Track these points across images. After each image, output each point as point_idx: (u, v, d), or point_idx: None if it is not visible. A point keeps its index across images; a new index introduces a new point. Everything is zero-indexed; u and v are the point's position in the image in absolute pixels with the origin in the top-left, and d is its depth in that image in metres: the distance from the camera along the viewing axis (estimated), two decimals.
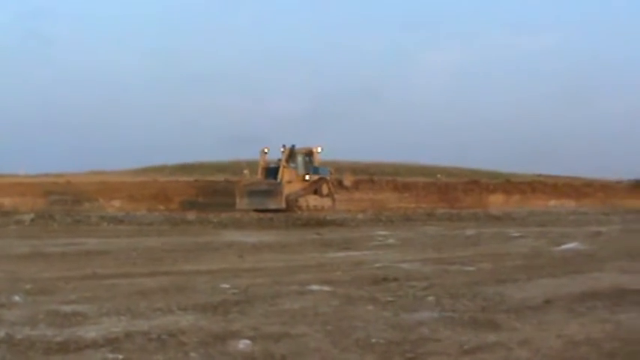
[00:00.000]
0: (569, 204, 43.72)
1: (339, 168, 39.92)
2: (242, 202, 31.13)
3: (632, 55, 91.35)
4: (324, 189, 34.12)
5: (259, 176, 32.76)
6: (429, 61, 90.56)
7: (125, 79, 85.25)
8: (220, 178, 40.65)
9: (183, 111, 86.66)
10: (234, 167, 38.78)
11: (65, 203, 33.23)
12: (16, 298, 7.55)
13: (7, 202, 32.01)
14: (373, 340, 5.62)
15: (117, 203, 35.43)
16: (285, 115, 78.89)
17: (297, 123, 73.77)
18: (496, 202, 42.87)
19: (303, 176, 33.23)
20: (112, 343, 5.46)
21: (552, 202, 44.51)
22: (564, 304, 7.21)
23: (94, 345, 5.42)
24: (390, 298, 7.61)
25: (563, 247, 14.44)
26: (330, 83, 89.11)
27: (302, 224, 23.08)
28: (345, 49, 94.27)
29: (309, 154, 33.87)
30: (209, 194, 37.12)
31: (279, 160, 32.86)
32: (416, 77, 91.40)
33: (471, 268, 10.61)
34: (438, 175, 47.97)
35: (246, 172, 33.25)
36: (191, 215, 26.60)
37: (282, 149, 32.81)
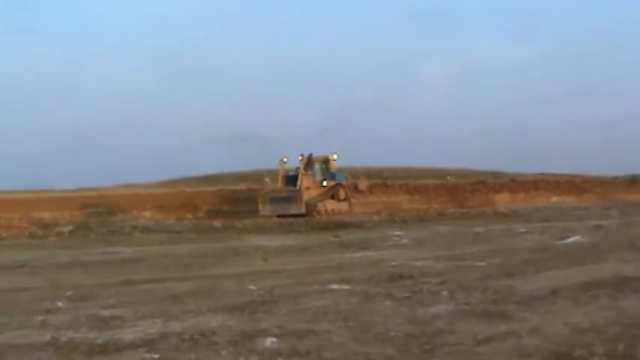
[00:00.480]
0: (571, 200, 43.30)
1: (354, 173, 39.80)
2: (264, 209, 31.10)
3: (629, 56, 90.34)
4: (341, 193, 34.06)
5: (280, 184, 32.72)
6: (430, 71, 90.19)
7: (145, 99, 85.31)
8: (243, 186, 40.54)
9: (204, 126, 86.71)
10: (255, 176, 38.89)
11: (100, 215, 33.29)
12: (60, 304, 7.65)
13: (47, 215, 32.16)
14: (392, 334, 5.61)
15: (148, 213, 35.52)
16: (300, 127, 78.88)
17: (311, 134, 73.60)
18: (503, 200, 42.57)
19: (321, 182, 33.20)
20: (148, 343, 5.49)
21: (555, 199, 44.17)
22: (570, 294, 7.18)
23: (132, 346, 5.46)
24: (406, 294, 7.59)
25: (567, 240, 14.34)
26: (339, 96, 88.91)
27: (321, 227, 22.99)
28: (351, 65, 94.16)
29: (326, 161, 33.83)
30: (233, 202, 37.07)
31: (298, 168, 32.81)
32: (419, 87, 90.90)
33: (481, 263, 10.56)
34: (448, 177, 47.71)
35: (267, 180, 33.30)
36: (217, 223, 26.63)
37: (300, 158, 32.78)
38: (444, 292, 7.65)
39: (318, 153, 33.75)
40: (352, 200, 35.07)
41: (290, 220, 26.92)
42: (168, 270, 11.35)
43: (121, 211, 35.03)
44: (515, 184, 46.80)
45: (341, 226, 23.19)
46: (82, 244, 18.49)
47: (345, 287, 8.31)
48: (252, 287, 8.57)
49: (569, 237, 14.89)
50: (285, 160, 33.14)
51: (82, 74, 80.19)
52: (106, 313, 6.97)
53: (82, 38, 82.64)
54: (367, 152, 77.64)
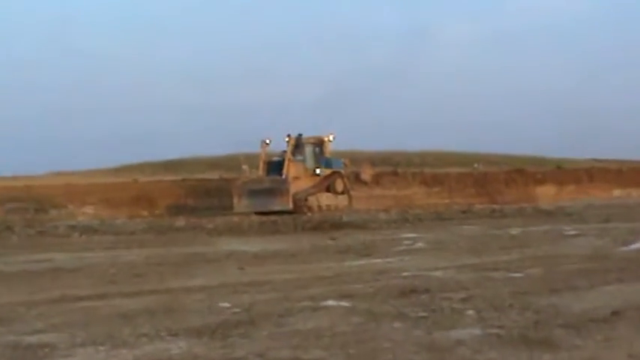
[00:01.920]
0: (637, 194, 43.35)
1: (356, 159, 39.90)
2: (240, 204, 31.38)
3: None
4: (339, 185, 34.27)
5: (260, 172, 32.89)
6: (454, 31, 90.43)
7: (97, 61, 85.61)
8: (214, 175, 40.65)
9: (167, 97, 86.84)
10: (230, 162, 38.78)
11: (26, 212, 33.17)
12: None
13: None
14: None
15: (89, 210, 35.52)
16: (292, 102, 79.06)
17: (306, 110, 74.05)
18: (546, 194, 42.76)
19: (313, 170, 33.45)
20: None
21: (617, 192, 44.23)
22: (635, 316, 7.19)
23: None
24: (421, 314, 7.65)
25: (632, 246, 14.34)
26: (342, 65, 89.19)
27: (313, 228, 23.19)
28: (359, 26, 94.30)
29: (319, 143, 34.05)
30: (201, 196, 37.28)
31: (284, 152, 33.02)
32: (441, 51, 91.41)
33: (518, 275, 10.64)
34: (475, 165, 48.02)
35: (244, 167, 33.37)
36: (180, 221, 26.75)
37: (286, 139, 32.96)
38: (470, 312, 7.69)
39: (309, 134, 34.06)
40: (352, 193, 35.40)
41: (273, 218, 27.00)
42: (116, 282, 11.37)
43: (53, 207, 35.13)
44: (563, 173, 46.98)
45: (338, 226, 23.42)
46: (0, 249, 18.36)
47: (344, 304, 8.40)
48: (225, 304, 8.63)
49: (635, 242, 14.87)
50: (267, 141, 33.22)
51: None
52: (31, 339, 6.88)
53: None
54: (372, 133, 77.99)
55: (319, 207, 32.65)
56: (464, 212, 29.39)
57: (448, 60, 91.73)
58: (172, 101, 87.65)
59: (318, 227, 23.18)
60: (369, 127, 74.60)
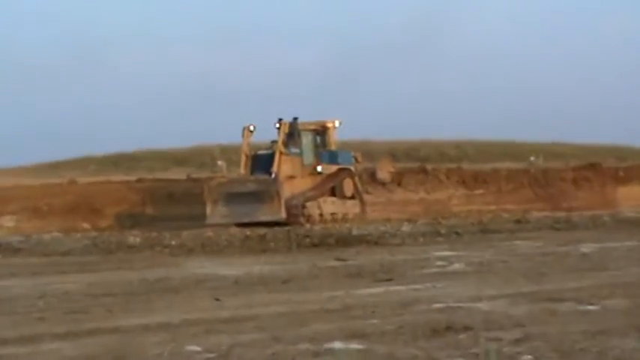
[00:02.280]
0: None
1: (371, 152, 39.81)
2: (216, 213, 31.35)
3: None
4: (347, 187, 34.27)
5: (242, 170, 32.90)
6: None
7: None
8: (180, 174, 40.57)
9: (116, 70, 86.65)
10: (201, 157, 38.46)
11: None
12: None
13: None
14: None
15: (9, 221, 35.42)
16: (283, 78, 78.83)
17: (302, 88, 73.82)
18: (630, 197, 42.57)
19: (313, 167, 33.47)
20: None
21: None
22: None
23: None
24: None
25: None
26: (351, 30, 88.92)
27: (313, 244, 23.22)
28: None
29: (322, 131, 34.14)
30: (162, 202, 37.18)
31: (274, 142, 32.98)
32: (486, 10, 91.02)
33: (592, 308, 10.64)
34: (532, 158, 47.98)
35: (220, 163, 33.89)
36: (134, 236, 26.56)
37: (277, 125, 32.92)
38: (527, 357, 7.66)
39: (308, 119, 33.98)
40: (366, 198, 35.46)
41: (260, 231, 26.84)
42: (45, 320, 11.26)
43: None
44: None
45: (347, 241, 23.48)
46: None
47: (355, 347, 8.40)
48: (195, 347, 8.62)
49: None
50: (251, 128, 33.07)
51: None
52: None
53: None
54: (391, 118, 77.63)
55: (321, 216, 32.69)
56: (517, 222, 29.33)
57: (493, 17, 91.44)
58: (123, 76, 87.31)
59: (320, 243, 23.21)
60: (387, 110, 74.34)
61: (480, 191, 42.14)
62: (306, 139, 33.78)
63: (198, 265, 18.77)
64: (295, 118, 33.24)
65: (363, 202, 34.99)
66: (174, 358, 8.19)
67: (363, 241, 23.56)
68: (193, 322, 10.45)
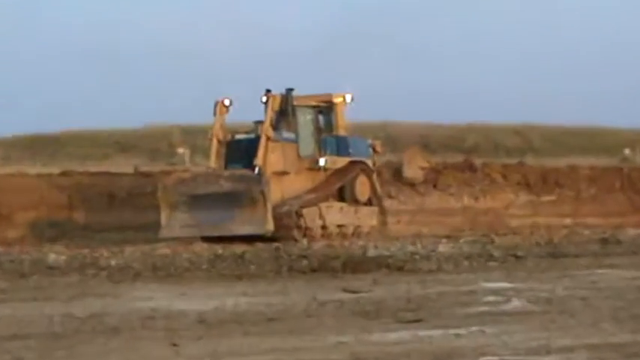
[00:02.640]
0: None
1: (395, 140, 38.03)
2: (174, 222, 28.32)
3: None
4: (361, 188, 30.96)
5: (213, 161, 29.78)
6: None
7: None
8: (124, 166, 38.42)
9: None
10: (155, 142, 36.34)
11: None
12: None
13: None
14: None
15: None
16: (279, 34, 75.26)
17: (299, 55, 70.21)
18: None
19: (313, 160, 29.93)
20: None
21: None
22: None
23: None
24: None
25: None
26: None
27: (312, 269, 20.86)
28: None
29: (327, 109, 30.63)
30: (98, 205, 34.56)
31: (258, 124, 29.22)
32: None
33: None
34: (626, 151, 46.53)
35: (181, 151, 31.93)
36: (56, 254, 24.53)
37: (264, 99, 29.33)
38: None
39: (308, 92, 30.59)
40: (388, 204, 33.23)
41: (238, 249, 24.53)
42: None
43: None
44: None
45: (360, 265, 21.21)
46: None
47: None
48: None
49: None
50: (226, 103, 29.80)
51: None
52: None
53: None
54: (423, 94, 72.82)
55: (324, 229, 29.30)
56: (603, 243, 26.61)
57: None
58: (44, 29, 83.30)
59: (321, 268, 20.85)
60: (417, 81, 70.09)
61: (551, 197, 39.67)
62: (304, 120, 30.07)
63: (147, 296, 17.04)
64: (290, 90, 29.18)
65: (383, 210, 31.95)
66: None
67: (382, 265, 21.03)
68: None
